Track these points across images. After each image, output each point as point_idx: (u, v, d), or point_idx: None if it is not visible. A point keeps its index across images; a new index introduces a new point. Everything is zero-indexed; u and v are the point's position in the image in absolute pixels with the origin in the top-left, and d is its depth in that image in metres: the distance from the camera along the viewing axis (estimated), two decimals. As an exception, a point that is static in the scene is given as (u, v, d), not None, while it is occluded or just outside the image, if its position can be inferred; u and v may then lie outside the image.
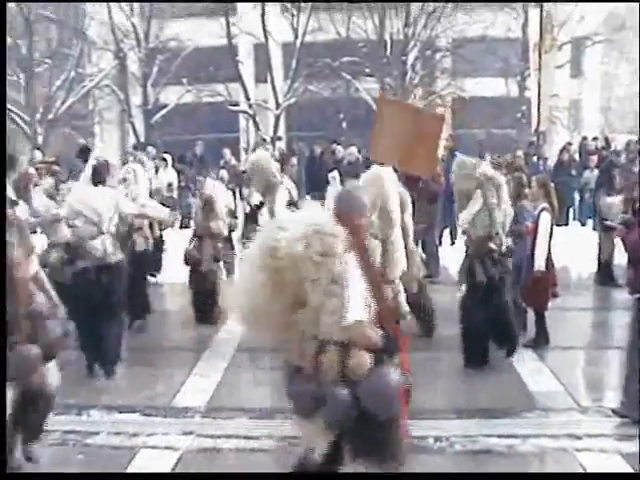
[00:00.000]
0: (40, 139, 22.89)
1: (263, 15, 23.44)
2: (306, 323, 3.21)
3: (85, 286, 6.17)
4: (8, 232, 3.95)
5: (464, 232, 6.54)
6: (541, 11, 14.21)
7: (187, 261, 8.05)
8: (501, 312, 6.21)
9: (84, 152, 10.10)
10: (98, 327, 6.16)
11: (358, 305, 3.17)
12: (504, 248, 6.24)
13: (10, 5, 22.62)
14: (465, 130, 22.12)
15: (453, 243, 11.79)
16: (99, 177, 6.47)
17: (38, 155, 12.65)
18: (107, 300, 6.15)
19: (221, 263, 8.26)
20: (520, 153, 13.94)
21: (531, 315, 7.05)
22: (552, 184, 7.20)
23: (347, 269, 3.17)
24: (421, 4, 22.61)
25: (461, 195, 6.27)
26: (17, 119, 23.15)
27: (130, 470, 4.57)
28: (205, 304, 7.86)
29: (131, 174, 7.47)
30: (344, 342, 3.17)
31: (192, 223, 8.78)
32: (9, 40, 23.20)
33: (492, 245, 6.10)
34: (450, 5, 22.48)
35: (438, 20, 22.94)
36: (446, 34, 23.54)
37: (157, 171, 13.82)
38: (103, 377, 6.23)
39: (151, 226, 8.06)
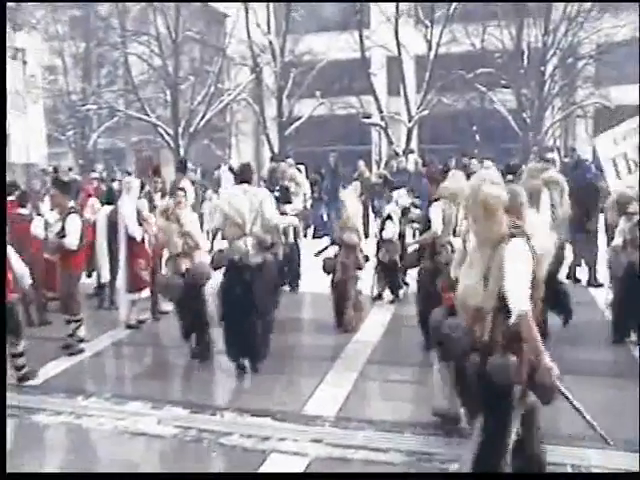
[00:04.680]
0: (182, 151, 24.19)
1: (396, 28, 23.49)
2: None
3: (228, 286, 6.40)
4: None
5: None
6: None
7: (324, 269, 8.19)
8: None
9: (183, 166, 10.37)
10: (243, 325, 6.36)
11: None
12: None
13: (161, 30, 24.21)
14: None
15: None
16: (243, 176, 6.63)
17: (189, 166, 13.67)
18: (250, 300, 6.31)
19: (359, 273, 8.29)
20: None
21: None
22: None
23: None
24: (563, 10, 21.72)
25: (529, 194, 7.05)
26: (163, 133, 24.66)
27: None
28: (339, 312, 7.95)
29: (293, 181, 7.50)
30: None
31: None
32: (159, 61, 24.87)
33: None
34: (596, 8, 21.36)
35: (581, 26, 21.93)
36: (590, 39, 22.41)
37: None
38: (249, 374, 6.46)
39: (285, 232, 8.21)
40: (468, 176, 14.76)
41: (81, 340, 7.56)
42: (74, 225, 7.31)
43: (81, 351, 7.45)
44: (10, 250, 6.48)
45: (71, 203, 7.63)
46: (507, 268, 3.47)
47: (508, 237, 3.57)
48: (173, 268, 7.09)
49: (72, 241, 7.27)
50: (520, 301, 3.42)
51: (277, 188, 10.62)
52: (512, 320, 3.44)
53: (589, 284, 10.02)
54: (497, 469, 3.59)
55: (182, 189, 7.36)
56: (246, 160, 26.02)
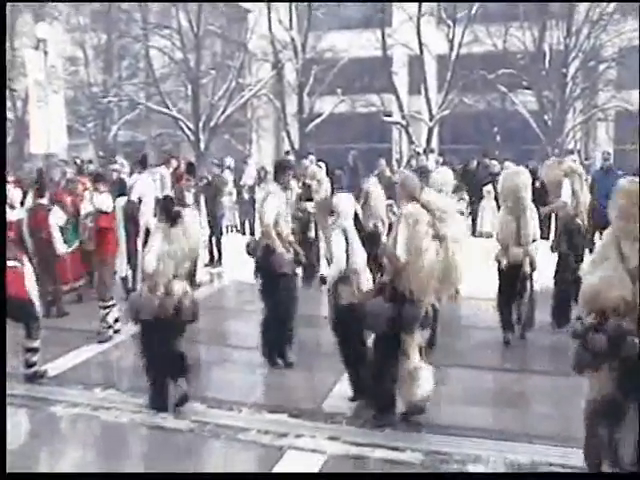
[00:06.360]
0: (202, 145, 24.23)
1: (418, 27, 23.40)
2: None
3: (268, 289, 6.59)
4: None
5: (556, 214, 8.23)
6: None
7: None
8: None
9: (143, 162, 10.20)
10: (279, 324, 6.59)
11: None
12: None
13: (183, 23, 24.27)
14: (631, 145, 20.70)
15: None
16: (279, 176, 6.61)
17: (215, 160, 14.00)
18: (283, 304, 6.53)
19: None
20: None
21: None
22: None
23: None
24: (585, 12, 21.55)
25: (552, 185, 7.80)
26: (184, 127, 24.71)
27: (277, 470, 4.64)
28: None
29: (314, 178, 7.41)
30: None
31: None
32: (180, 55, 24.93)
33: (578, 221, 7.68)
34: (619, 11, 21.17)
35: (604, 28, 21.74)
36: (612, 43, 22.22)
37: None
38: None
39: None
40: (490, 176, 14.51)
41: (110, 327, 7.53)
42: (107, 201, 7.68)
43: (110, 338, 7.47)
44: (29, 272, 6.36)
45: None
46: None
47: None
48: None
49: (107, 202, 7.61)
50: None
51: (300, 185, 10.60)
52: None
53: None
54: None
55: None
56: (267, 156, 26.20)
